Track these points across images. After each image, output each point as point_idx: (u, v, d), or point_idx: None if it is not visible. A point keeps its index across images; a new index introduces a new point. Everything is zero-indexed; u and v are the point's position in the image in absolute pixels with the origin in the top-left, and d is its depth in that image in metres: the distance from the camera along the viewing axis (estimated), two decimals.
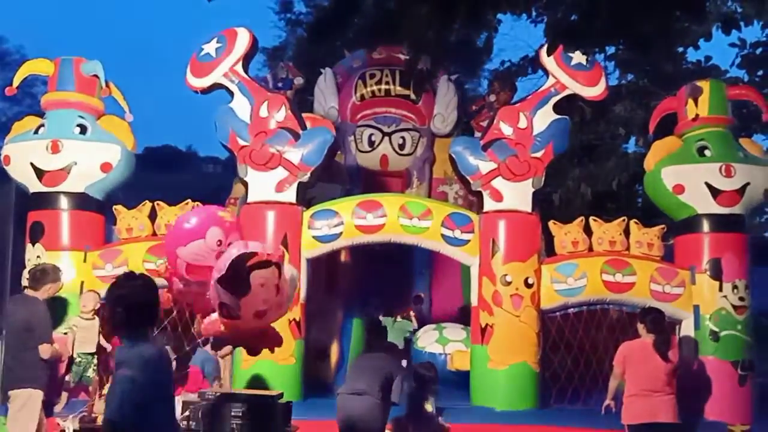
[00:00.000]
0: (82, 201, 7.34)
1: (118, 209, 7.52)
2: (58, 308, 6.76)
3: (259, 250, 4.00)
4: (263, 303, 3.85)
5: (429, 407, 6.11)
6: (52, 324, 6.05)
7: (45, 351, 5.70)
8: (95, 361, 6.65)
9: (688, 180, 7.28)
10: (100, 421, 4.72)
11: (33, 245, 7.23)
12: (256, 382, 6.58)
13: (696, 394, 6.72)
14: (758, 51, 10.22)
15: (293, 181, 7.17)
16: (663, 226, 7.62)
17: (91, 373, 6.60)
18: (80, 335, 6.61)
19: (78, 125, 7.31)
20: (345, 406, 5.52)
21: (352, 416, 5.46)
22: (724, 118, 7.46)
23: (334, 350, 8.31)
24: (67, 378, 6.63)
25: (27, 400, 5.61)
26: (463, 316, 9.20)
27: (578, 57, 7.24)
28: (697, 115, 7.45)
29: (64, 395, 6.58)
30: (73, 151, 7.21)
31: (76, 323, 6.66)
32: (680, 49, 10.85)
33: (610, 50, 10.62)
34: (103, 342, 6.72)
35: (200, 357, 6.72)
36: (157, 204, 7.49)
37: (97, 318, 6.74)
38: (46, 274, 6.27)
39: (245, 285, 3.81)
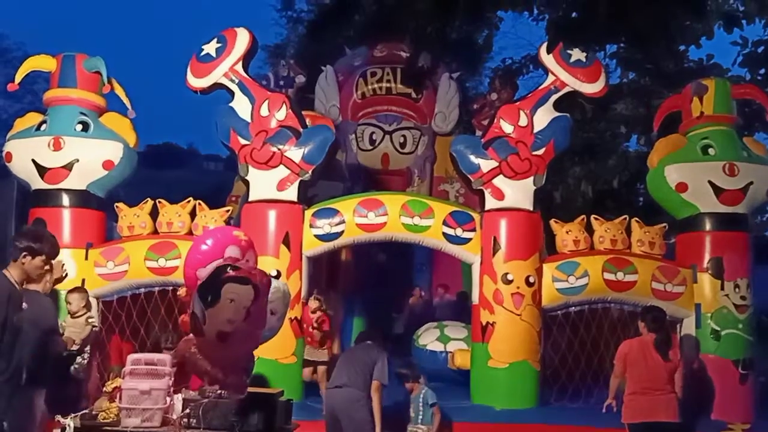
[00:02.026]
0: (83, 198, 7.34)
1: (120, 207, 7.52)
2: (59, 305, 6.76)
3: (245, 266, 3.82)
4: (228, 323, 3.57)
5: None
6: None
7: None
8: (79, 358, 6.60)
9: (691, 178, 7.27)
10: (101, 418, 4.71)
11: None
12: (257, 380, 6.57)
13: (697, 393, 6.71)
14: (760, 49, 10.19)
15: (294, 179, 7.17)
16: (664, 224, 7.61)
17: (73, 369, 6.57)
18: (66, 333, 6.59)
19: (80, 122, 7.31)
20: (328, 400, 5.63)
21: (334, 409, 5.54)
22: (728, 116, 7.45)
23: (335, 348, 8.32)
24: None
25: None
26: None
27: (577, 54, 7.24)
28: (702, 113, 7.44)
29: None
30: (74, 148, 7.21)
31: (65, 322, 6.62)
32: (682, 48, 10.83)
33: (612, 48, 10.63)
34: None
35: None
36: (159, 202, 7.49)
37: (85, 314, 6.68)
38: None
39: (215, 296, 3.61)
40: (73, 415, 4.90)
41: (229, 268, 3.72)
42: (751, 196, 7.23)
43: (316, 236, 7.19)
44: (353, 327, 8.45)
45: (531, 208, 7.25)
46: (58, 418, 5.38)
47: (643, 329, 5.61)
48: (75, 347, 6.50)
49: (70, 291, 6.81)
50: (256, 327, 3.70)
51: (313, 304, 7.15)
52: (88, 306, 6.74)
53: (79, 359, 6.57)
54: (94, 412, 4.89)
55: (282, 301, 4.29)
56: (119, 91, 7.65)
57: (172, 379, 4.61)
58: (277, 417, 4.38)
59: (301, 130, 7.26)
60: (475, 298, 7.27)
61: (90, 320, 6.62)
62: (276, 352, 6.51)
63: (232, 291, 3.61)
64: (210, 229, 6.36)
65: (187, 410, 4.39)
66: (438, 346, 8.10)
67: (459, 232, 7.21)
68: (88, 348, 6.65)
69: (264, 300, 3.76)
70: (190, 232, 7.33)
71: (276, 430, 4.37)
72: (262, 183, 7.20)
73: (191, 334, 3.81)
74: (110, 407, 4.72)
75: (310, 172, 7.18)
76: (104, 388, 5.41)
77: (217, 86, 7.35)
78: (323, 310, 7.18)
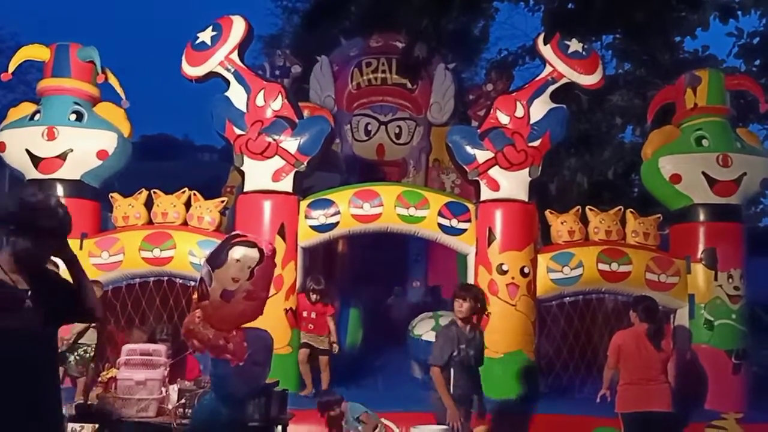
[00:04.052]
0: (78, 188, 7.32)
1: (115, 197, 7.50)
2: None
3: (251, 236, 4.02)
4: (232, 281, 3.77)
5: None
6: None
7: None
8: (81, 351, 6.61)
9: (685, 169, 7.29)
10: (96, 408, 4.72)
11: None
12: None
13: (690, 383, 6.75)
14: (755, 40, 10.21)
15: (290, 170, 7.15)
16: (659, 215, 7.64)
17: (72, 360, 6.58)
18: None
19: (74, 112, 7.28)
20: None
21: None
22: (722, 108, 7.46)
23: (333, 338, 8.32)
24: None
25: None
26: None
27: (575, 45, 7.22)
28: (695, 104, 7.45)
29: None
30: (68, 138, 7.19)
31: None
32: (677, 39, 10.84)
33: (608, 39, 10.63)
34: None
35: None
36: (154, 192, 7.47)
37: None
38: None
39: (223, 257, 3.82)
40: (68, 405, 4.90)
41: (237, 237, 3.98)
42: (744, 187, 7.25)
43: (312, 227, 7.19)
44: (349, 318, 8.45)
45: (526, 199, 7.26)
46: None
47: (635, 319, 5.64)
48: (69, 341, 6.51)
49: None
50: (257, 288, 3.85)
51: (313, 296, 7.04)
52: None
53: (80, 352, 6.57)
54: (89, 402, 4.90)
55: (266, 350, 4.27)
56: (113, 81, 7.62)
57: (168, 369, 4.62)
58: (273, 407, 4.40)
59: (297, 120, 7.24)
60: None
61: None
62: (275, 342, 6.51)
63: (239, 252, 3.84)
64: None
65: (183, 400, 4.41)
66: (433, 336, 8.10)
67: (454, 222, 7.22)
68: (93, 344, 6.63)
69: (268, 268, 3.94)
70: (185, 223, 7.33)
71: (271, 420, 4.39)
72: (258, 173, 7.18)
73: (197, 310, 3.95)
74: (106, 397, 4.73)
75: (305, 163, 7.16)
76: (99, 379, 5.43)
77: (213, 75, 7.30)
78: (323, 299, 7.06)
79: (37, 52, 7.55)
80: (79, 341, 6.56)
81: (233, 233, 4.05)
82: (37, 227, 2.85)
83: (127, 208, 7.40)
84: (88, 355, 6.57)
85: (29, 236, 2.83)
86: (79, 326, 6.50)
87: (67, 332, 6.42)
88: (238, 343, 3.92)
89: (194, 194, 7.44)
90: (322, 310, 7.04)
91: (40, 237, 2.85)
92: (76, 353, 6.54)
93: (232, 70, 7.23)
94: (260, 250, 3.86)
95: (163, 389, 4.53)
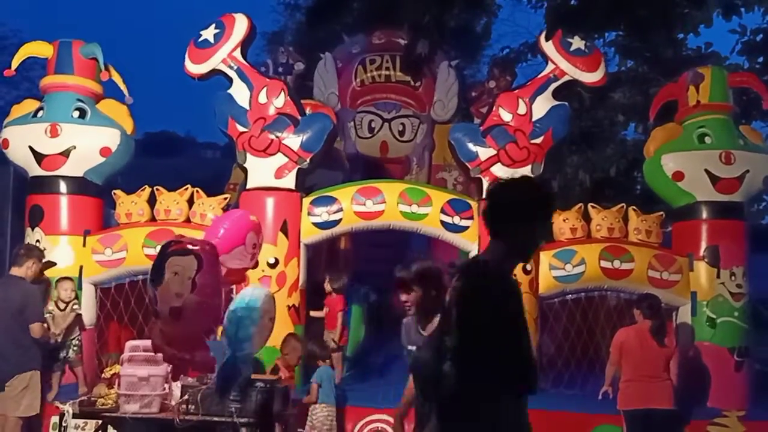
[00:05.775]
0: (81, 185, 7.34)
1: (118, 194, 7.52)
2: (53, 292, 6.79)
3: (186, 239, 3.69)
4: (176, 297, 3.39)
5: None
6: (43, 304, 6.08)
7: (36, 330, 5.68)
8: (75, 342, 6.68)
9: (687, 167, 7.28)
10: (99, 404, 4.74)
11: (32, 229, 7.24)
12: (255, 367, 6.60)
13: (692, 380, 6.76)
14: (759, 38, 10.20)
15: (292, 167, 7.16)
16: (661, 213, 7.64)
17: (72, 354, 6.64)
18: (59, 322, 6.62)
19: (77, 109, 7.30)
20: None
21: None
22: (725, 105, 7.45)
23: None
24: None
25: (29, 381, 5.61)
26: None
27: (577, 42, 7.21)
28: (698, 101, 7.44)
29: (55, 383, 6.58)
30: (72, 134, 7.20)
31: (52, 311, 6.63)
32: (680, 35, 10.81)
33: (610, 36, 10.61)
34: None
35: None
36: (157, 189, 7.49)
37: (74, 303, 6.73)
38: (30, 250, 6.20)
39: (161, 273, 3.48)
40: (71, 401, 4.92)
41: (171, 243, 3.62)
42: (747, 185, 7.24)
43: (314, 224, 7.20)
44: (351, 314, 8.46)
45: None
46: (57, 403, 5.41)
47: (639, 316, 5.65)
48: (58, 337, 6.53)
49: (65, 278, 6.83)
50: (206, 297, 3.51)
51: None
52: (76, 295, 6.84)
53: (74, 342, 6.64)
54: (92, 399, 4.92)
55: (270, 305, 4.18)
56: (116, 78, 7.64)
57: (171, 365, 4.63)
58: (275, 403, 4.42)
59: (300, 117, 7.25)
60: None
61: (74, 307, 6.71)
62: (275, 339, 6.53)
63: (175, 264, 3.51)
64: (229, 211, 6.45)
65: (186, 396, 4.42)
66: None
67: (457, 220, 7.22)
68: (78, 334, 6.72)
69: (213, 270, 3.60)
70: (187, 220, 7.34)
71: (274, 416, 4.42)
72: (260, 170, 7.19)
73: (155, 326, 3.73)
74: (109, 393, 4.75)
75: (308, 160, 7.17)
76: (103, 375, 5.45)
77: (216, 72, 7.32)
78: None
79: (40, 49, 7.56)
80: (65, 332, 6.62)
81: (169, 240, 3.71)
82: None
83: (130, 205, 7.41)
84: (80, 343, 6.67)
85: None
86: (68, 319, 6.56)
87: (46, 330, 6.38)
88: (205, 355, 3.70)
89: (197, 191, 7.45)
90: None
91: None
92: (72, 346, 6.63)
93: (235, 67, 7.24)
94: (197, 256, 3.53)
95: (166, 385, 4.53)
